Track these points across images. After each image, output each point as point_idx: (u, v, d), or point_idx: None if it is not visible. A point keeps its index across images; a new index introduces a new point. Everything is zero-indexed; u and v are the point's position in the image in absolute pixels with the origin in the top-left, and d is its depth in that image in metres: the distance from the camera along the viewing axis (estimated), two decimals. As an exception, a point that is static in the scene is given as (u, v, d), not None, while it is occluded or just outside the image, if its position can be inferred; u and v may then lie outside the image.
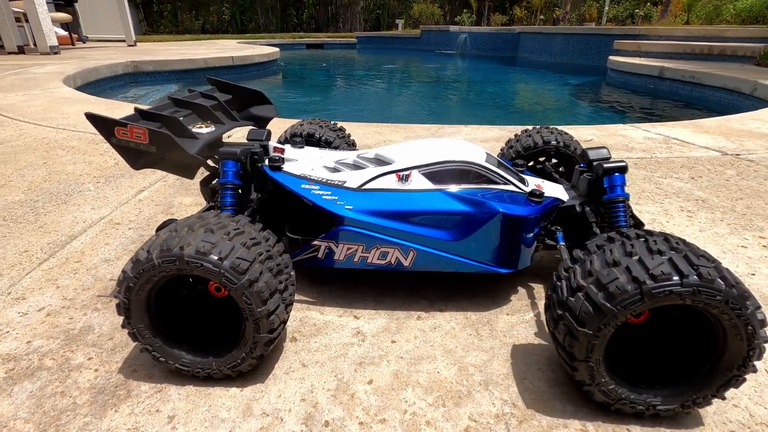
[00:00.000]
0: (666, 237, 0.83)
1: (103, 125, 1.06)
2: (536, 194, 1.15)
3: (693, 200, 1.93)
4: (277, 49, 10.57)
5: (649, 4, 15.09)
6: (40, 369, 1.00)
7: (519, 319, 1.17)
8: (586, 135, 2.99)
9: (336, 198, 1.14)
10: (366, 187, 1.16)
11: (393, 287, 1.30)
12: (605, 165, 1.15)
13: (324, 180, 1.18)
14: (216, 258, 0.84)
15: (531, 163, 1.65)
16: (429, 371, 1.00)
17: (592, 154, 1.22)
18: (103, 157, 2.42)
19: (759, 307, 0.74)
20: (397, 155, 1.22)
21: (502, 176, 1.18)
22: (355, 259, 1.15)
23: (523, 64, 12.84)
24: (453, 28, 17.13)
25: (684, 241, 0.83)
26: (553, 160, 1.63)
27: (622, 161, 1.15)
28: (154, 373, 0.99)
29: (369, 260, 1.14)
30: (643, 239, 0.83)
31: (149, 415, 0.89)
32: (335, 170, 1.26)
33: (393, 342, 1.09)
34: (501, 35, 15.20)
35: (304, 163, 1.28)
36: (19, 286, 1.31)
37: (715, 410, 0.90)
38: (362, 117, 5.54)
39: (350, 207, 1.12)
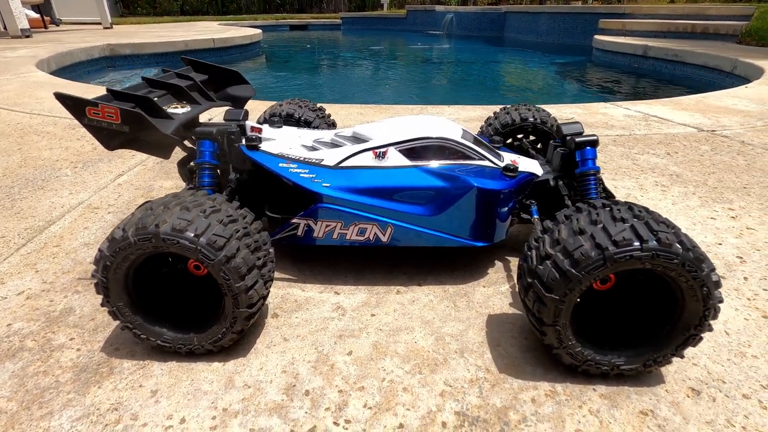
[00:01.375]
0: (630, 206, 0.86)
1: (74, 105, 1.05)
2: (510, 169, 1.17)
3: (668, 175, 1.98)
4: (259, 31, 10.33)
5: (634, -18, 15.04)
6: (21, 350, 1.01)
7: (495, 291, 1.21)
8: (568, 113, 3.02)
9: (313, 176, 1.15)
10: (343, 164, 1.17)
11: (373, 263, 1.32)
12: (577, 139, 1.18)
13: (301, 158, 1.19)
14: (192, 235, 0.85)
15: (509, 140, 1.67)
16: (407, 341, 1.04)
17: (565, 129, 1.25)
18: (80, 142, 2.38)
19: (713, 269, 0.78)
20: (375, 133, 1.22)
21: (478, 152, 1.20)
22: (334, 236, 1.16)
23: (510, 43, 12.75)
24: (439, 8, 16.87)
25: (647, 210, 0.86)
26: (531, 137, 1.65)
27: (594, 135, 1.17)
28: (136, 351, 1.01)
29: (347, 237, 1.16)
30: (608, 208, 0.86)
31: (132, 390, 0.91)
32: (313, 149, 1.26)
33: (372, 315, 1.12)
34: (487, 15, 15.02)
35: (282, 143, 1.28)
36: (-2, 271, 1.30)
37: (675, 369, 0.95)
38: (348, 99, 5.49)
39: (327, 185, 1.13)
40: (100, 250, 0.88)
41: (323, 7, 23.06)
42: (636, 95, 5.58)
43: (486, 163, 1.20)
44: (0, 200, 1.72)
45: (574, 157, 1.20)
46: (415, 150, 1.17)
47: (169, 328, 0.97)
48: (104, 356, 0.99)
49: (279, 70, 8.32)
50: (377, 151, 1.17)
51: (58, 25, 11.78)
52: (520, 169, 1.21)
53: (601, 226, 0.82)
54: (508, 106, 1.67)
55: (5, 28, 8.34)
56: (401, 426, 0.83)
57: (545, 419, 0.84)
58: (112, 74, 6.96)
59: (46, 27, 10.55)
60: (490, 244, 1.19)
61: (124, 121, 1.05)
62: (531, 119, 1.57)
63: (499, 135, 1.61)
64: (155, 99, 1.19)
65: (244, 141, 1.22)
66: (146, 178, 1.94)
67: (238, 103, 1.51)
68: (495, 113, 1.68)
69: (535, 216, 1.20)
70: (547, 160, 1.33)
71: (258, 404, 0.88)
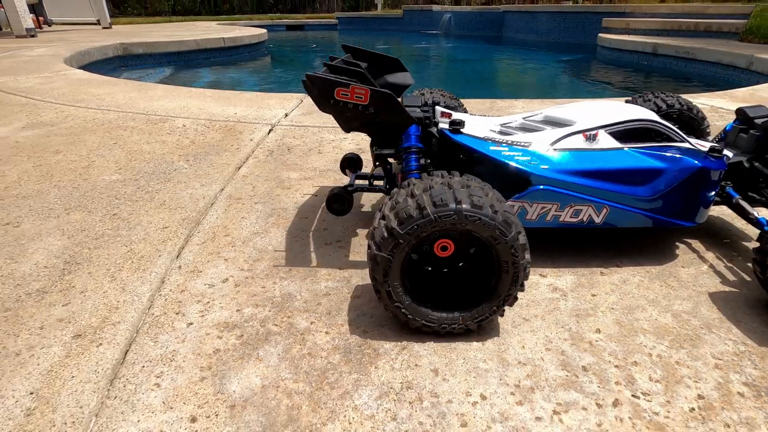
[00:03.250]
0: None
1: (323, 86, 1.04)
2: (717, 150, 1.19)
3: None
4: (264, 31, 10.25)
5: (627, -17, 15.35)
6: (270, 334, 1.00)
7: (697, 271, 1.23)
8: (633, 106, 3.07)
9: (528, 158, 1.16)
10: (555, 147, 1.18)
11: (558, 246, 1.33)
12: (779, 121, 1.21)
13: (509, 142, 1.20)
14: (491, 212, 0.85)
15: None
16: (647, 319, 1.05)
17: (751, 112, 1.28)
18: (173, 136, 2.33)
19: None
20: (574, 116, 1.24)
21: (680, 134, 1.23)
22: (548, 218, 1.17)
23: (510, 43, 12.85)
24: (436, 7, 16.93)
25: None
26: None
27: (797, 116, 1.21)
28: (386, 333, 1.00)
29: (561, 219, 1.17)
30: None
31: (411, 369, 0.91)
32: (505, 133, 1.27)
33: (593, 296, 1.14)
34: (485, 14, 15.14)
35: (474, 127, 1.28)
36: (185, 260, 1.27)
37: None
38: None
39: (546, 167, 1.14)
40: (391, 228, 0.87)
41: (316, 7, 22.95)
42: (660, 90, 5.67)
43: (688, 145, 1.23)
44: (135, 192, 1.68)
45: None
46: (623, 132, 1.19)
47: (432, 308, 0.96)
48: (359, 339, 0.99)
49: (290, 68, 8.25)
50: (587, 133, 1.18)
51: (50, 26, 11.47)
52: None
53: None
54: (646, 92, 1.70)
55: (9, 27, 8.10)
56: (700, 397, 0.85)
57: (835, 386, 0.87)
58: (126, 74, 6.83)
59: (40, 27, 10.27)
60: (694, 225, 1.22)
61: (372, 102, 1.04)
62: (677, 106, 1.61)
63: (641, 122, 1.63)
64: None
65: (447, 125, 1.22)
66: (267, 170, 1.91)
67: (398, 90, 1.51)
68: (628, 101, 1.71)
69: (736, 196, 1.23)
70: (729, 142, 1.36)
71: (547, 380, 0.88)
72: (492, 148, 1.17)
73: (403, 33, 16.02)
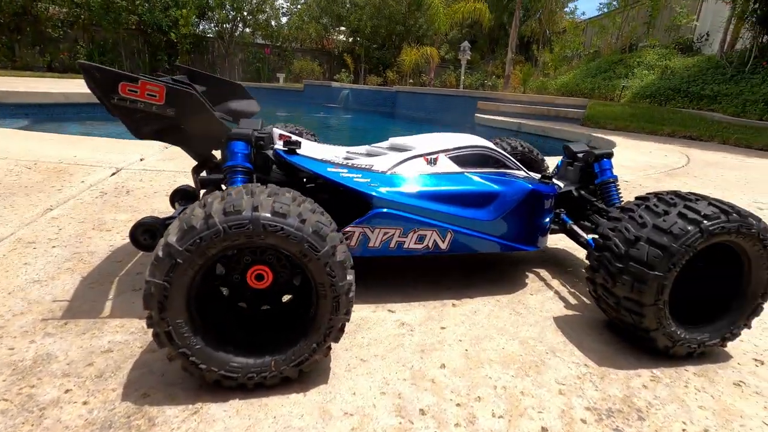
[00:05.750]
0: (676, 192, 0.96)
1: (102, 79, 0.83)
2: (548, 177, 1.24)
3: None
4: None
5: (494, 76, 18.22)
6: (-12, 414, 0.68)
7: (544, 297, 1.20)
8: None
9: (368, 180, 1.06)
10: (396, 170, 1.11)
11: (412, 280, 1.23)
12: (596, 152, 1.31)
13: (349, 164, 1.10)
14: (297, 221, 0.70)
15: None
16: (495, 348, 0.96)
17: (574, 148, 1.38)
18: (-28, 176, 1.87)
19: (776, 238, 0.90)
20: (416, 143, 1.21)
21: (515, 162, 1.26)
22: (392, 245, 1.07)
23: (402, 118, 13.97)
24: (335, 84, 18.00)
25: (695, 193, 0.96)
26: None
27: (610, 149, 1.32)
28: (176, 393, 0.75)
29: (406, 245, 1.08)
30: (670, 196, 0.96)
31: (196, 440, 0.66)
32: (349, 158, 1.18)
33: (443, 328, 1.02)
34: (380, 92, 16.42)
35: (316, 152, 1.17)
36: None
37: (729, 346, 1.02)
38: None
39: (385, 189, 1.06)
40: (167, 245, 0.67)
41: (217, 77, 22.87)
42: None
43: (522, 173, 1.25)
44: None
45: (592, 169, 1.32)
46: (463, 157, 1.18)
47: (234, 353, 0.75)
48: (131, 406, 0.72)
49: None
50: (428, 157, 1.15)
51: None
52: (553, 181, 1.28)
53: (683, 206, 0.90)
54: (494, 138, 1.80)
55: None
56: (544, 429, 0.74)
57: (668, 401, 0.83)
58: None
59: None
60: (536, 249, 1.21)
61: (170, 101, 0.87)
62: (520, 148, 1.72)
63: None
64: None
65: (281, 145, 1.10)
66: (90, 212, 1.58)
67: (241, 118, 1.37)
68: (481, 145, 1.79)
69: (569, 222, 1.26)
70: (560, 176, 1.44)
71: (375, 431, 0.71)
72: (330, 169, 1.07)
73: (305, 105, 16.51)
